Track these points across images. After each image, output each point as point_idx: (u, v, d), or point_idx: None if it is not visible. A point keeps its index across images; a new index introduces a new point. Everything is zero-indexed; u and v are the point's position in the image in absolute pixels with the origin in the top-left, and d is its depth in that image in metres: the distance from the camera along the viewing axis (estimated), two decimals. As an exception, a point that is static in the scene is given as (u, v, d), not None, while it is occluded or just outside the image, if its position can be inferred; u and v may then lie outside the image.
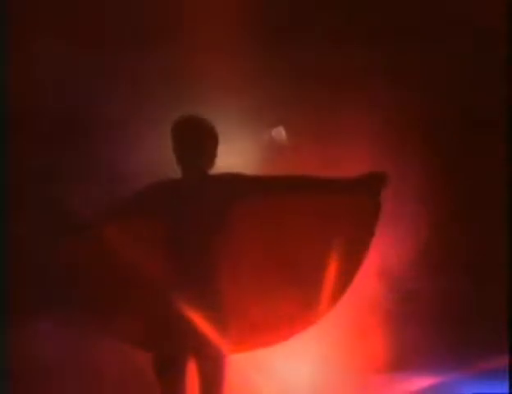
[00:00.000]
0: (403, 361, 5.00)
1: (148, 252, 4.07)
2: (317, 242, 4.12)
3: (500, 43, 4.90)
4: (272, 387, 5.00)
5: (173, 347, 3.94)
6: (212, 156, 4.09)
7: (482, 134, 5.08)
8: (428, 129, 5.14)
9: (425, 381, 4.98)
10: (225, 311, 3.98)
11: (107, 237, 4.05)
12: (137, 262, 4.05)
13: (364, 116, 5.08)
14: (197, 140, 4.05)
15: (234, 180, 4.07)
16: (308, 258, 4.13)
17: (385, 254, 4.79)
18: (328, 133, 5.12)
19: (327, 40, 5.08)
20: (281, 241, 4.16)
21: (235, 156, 4.86)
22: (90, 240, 4.09)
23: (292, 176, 4.14)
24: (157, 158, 4.90)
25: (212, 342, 3.92)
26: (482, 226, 5.04)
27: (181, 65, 5.14)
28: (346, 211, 4.11)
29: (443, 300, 5.02)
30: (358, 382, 4.97)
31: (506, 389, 4.61)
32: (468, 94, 5.04)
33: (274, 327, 4.15)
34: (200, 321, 3.92)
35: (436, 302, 5.00)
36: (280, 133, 5.36)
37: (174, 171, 4.09)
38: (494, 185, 4.94)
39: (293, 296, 4.11)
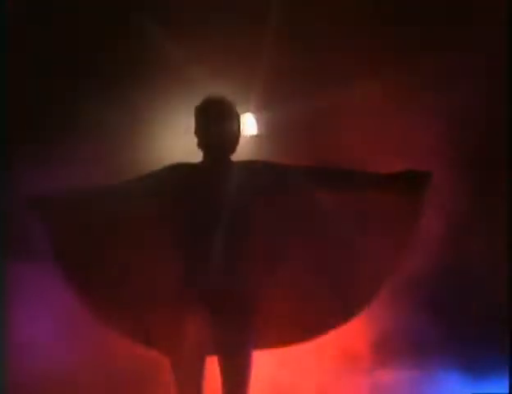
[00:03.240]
0: (400, 359, 4.99)
1: (162, 238, 3.95)
2: (353, 238, 4.02)
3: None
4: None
5: (194, 348, 3.84)
6: (236, 140, 3.99)
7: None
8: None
9: (423, 380, 4.98)
10: (247, 305, 3.87)
11: (116, 218, 3.98)
12: (150, 248, 3.96)
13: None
14: (224, 122, 3.94)
15: (262, 169, 3.96)
16: (342, 254, 4.03)
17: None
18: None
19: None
20: (312, 236, 4.04)
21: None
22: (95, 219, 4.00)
23: (329, 168, 4.04)
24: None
25: (236, 339, 3.83)
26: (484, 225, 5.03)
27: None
28: (389, 207, 4.01)
29: (442, 300, 5.01)
30: (350, 382, 4.96)
31: (506, 389, 4.62)
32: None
33: (301, 323, 4.03)
34: (222, 316, 3.83)
35: (435, 301, 4.99)
36: (249, 122, 5.24)
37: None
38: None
39: (323, 294, 4.00)
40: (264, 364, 4.27)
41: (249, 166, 3.98)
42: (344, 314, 4.04)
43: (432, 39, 5.02)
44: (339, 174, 4.02)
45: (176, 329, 3.86)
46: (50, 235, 4.06)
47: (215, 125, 3.94)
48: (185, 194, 3.91)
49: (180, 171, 3.98)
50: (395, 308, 4.86)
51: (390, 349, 4.97)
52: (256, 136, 5.24)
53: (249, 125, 5.25)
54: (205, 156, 3.99)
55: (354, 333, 4.82)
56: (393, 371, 4.95)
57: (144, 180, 4.00)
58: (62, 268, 4.05)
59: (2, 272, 4.48)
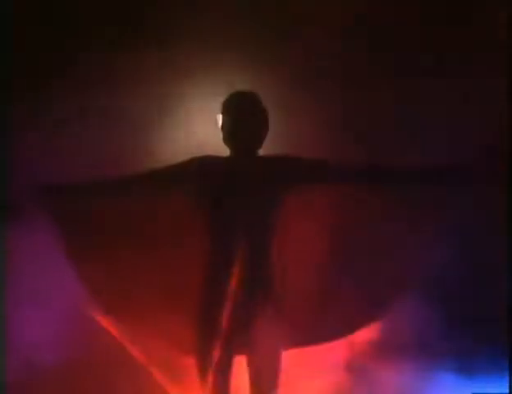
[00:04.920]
0: (398, 358, 4.97)
1: (187, 232, 3.93)
2: (381, 238, 4.02)
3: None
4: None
5: (222, 347, 3.79)
6: (263, 135, 3.97)
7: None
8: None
9: (422, 380, 4.96)
10: (276, 302, 3.83)
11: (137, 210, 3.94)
12: (174, 241, 3.93)
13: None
14: (250, 116, 3.93)
15: (293, 165, 3.93)
16: (372, 251, 4.02)
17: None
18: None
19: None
20: (341, 234, 4.02)
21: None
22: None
23: (363, 166, 4.01)
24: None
25: (265, 337, 3.79)
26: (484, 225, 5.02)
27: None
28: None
29: (442, 299, 4.99)
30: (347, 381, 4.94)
31: (506, 389, 4.60)
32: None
33: (331, 323, 4.02)
34: (251, 315, 3.80)
35: (435, 300, 4.97)
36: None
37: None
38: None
39: (352, 293, 3.99)
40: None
41: (277, 160, 3.95)
42: (373, 314, 4.02)
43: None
44: (372, 171, 3.99)
45: (203, 328, 3.81)
46: (61, 230, 4.03)
47: (241, 120, 3.93)
48: (212, 188, 3.89)
49: (209, 163, 3.95)
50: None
51: (388, 348, 4.94)
52: None
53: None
54: (232, 151, 3.96)
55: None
56: (391, 370, 4.93)
57: (171, 170, 3.97)
58: (74, 264, 4.02)
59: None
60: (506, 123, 4.93)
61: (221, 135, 3.99)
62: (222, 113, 3.98)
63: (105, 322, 4.16)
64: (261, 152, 4.02)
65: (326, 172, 3.96)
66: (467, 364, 4.91)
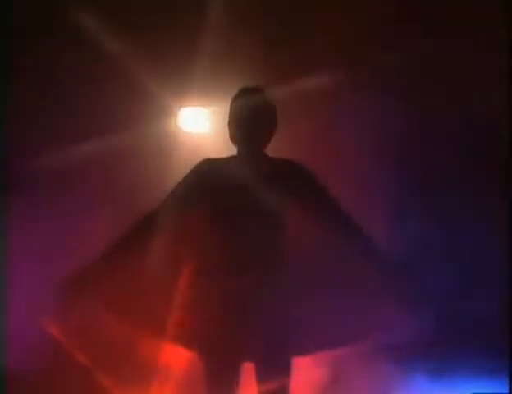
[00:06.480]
0: (399, 358, 4.97)
1: (200, 243, 3.82)
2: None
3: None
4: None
5: (232, 351, 3.70)
6: (271, 132, 3.88)
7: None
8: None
9: (421, 380, 4.96)
10: (285, 307, 3.73)
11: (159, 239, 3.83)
12: (188, 252, 3.81)
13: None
14: (258, 113, 3.84)
15: (298, 173, 3.84)
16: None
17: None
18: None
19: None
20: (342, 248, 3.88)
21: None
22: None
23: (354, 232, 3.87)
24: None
25: (275, 344, 3.69)
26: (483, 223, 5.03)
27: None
28: None
29: (441, 300, 4.99)
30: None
31: (506, 389, 4.60)
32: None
33: (339, 332, 3.89)
34: (261, 319, 3.71)
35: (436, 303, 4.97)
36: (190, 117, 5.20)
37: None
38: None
39: (359, 306, 3.86)
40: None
41: (285, 165, 3.87)
42: (378, 326, 3.96)
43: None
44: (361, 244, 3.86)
45: (214, 329, 3.71)
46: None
47: (248, 116, 3.83)
48: (219, 191, 3.79)
49: (212, 167, 3.86)
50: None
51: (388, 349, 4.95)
52: (198, 133, 5.18)
53: (190, 120, 5.20)
54: (238, 149, 3.88)
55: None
56: (390, 371, 4.95)
57: (179, 189, 3.86)
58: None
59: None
60: (506, 123, 4.94)
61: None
62: (229, 109, 3.88)
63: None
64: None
65: (318, 202, 3.85)
66: (466, 364, 4.92)
